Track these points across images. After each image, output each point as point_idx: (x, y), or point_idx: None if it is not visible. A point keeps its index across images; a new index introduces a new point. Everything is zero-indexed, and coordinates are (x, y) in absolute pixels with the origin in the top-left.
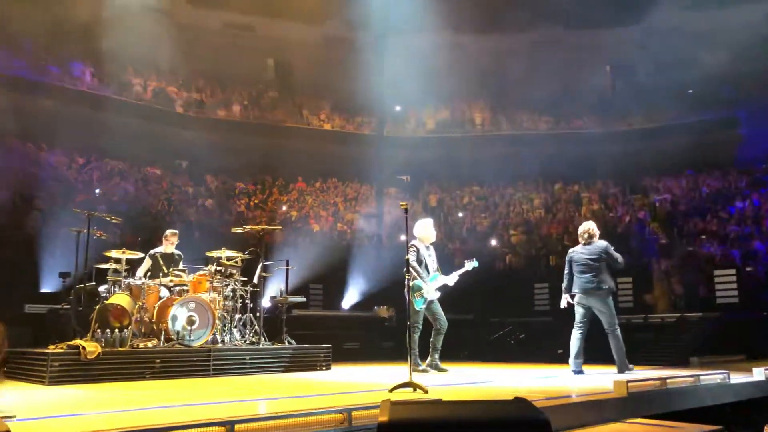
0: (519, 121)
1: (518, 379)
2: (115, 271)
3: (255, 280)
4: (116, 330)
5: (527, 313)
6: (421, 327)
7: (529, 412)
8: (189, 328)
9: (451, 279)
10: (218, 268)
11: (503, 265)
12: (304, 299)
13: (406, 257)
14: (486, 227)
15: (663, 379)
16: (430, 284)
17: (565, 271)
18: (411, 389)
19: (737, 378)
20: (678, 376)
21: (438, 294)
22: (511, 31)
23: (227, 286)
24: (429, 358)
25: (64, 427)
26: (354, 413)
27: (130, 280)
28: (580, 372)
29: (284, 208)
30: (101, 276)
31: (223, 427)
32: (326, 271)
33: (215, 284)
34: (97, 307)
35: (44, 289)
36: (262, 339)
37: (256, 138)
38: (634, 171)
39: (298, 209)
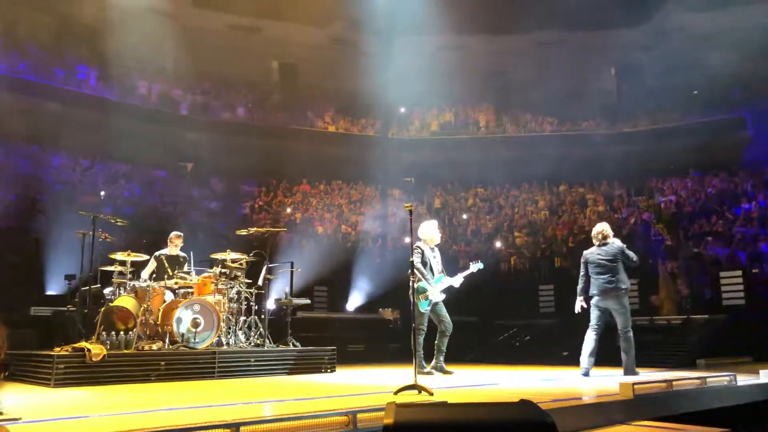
0: (524, 123)
1: (523, 381)
2: (120, 273)
3: (260, 282)
4: (121, 332)
5: (532, 315)
6: (426, 329)
7: (534, 414)
8: (194, 330)
9: (456, 281)
10: (223, 270)
11: (508, 266)
12: (308, 301)
13: (411, 259)
14: (491, 229)
15: (669, 382)
16: (435, 286)
17: (581, 273)
18: (416, 391)
19: (744, 380)
20: (684, 378)
21: (443, 296)
22: (516, 32)
23: (232, 288)
24: (434, 361)
25: (69, 430)
26: (359, 415)
27: (135, 283)
28: (587, 374)
29: (288, 210)
30: (106, 278)
31: (228, 429)
32: (331, 274)
33: (220, 286)
34: (103, 309)
35: (50, 292)
36: (267, 341)
37: (261, 140)
38: (640, 172)
39: (302, 211)
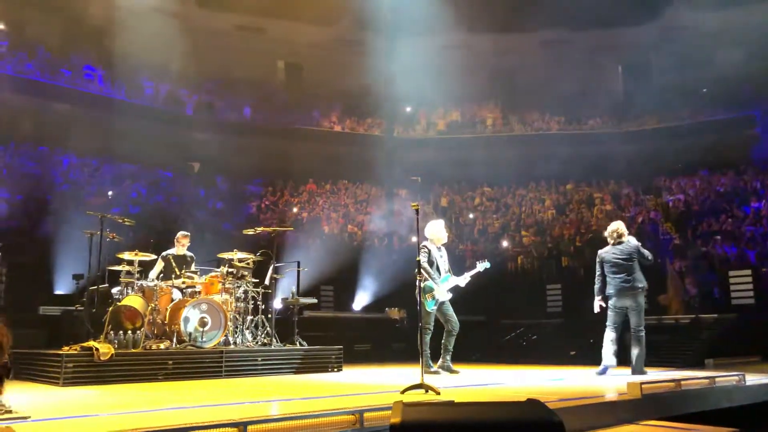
0: (530, 122)
1: (531, 380)
2: (128, 272)
3: (266, 282)
4: (129, 331)
5: (539, 314)
6: (432, 328)
7: (542, 413)
8: (201, 329)
9: (463, 280)
10: (230, 269)
11: (515, 266)
12: (315, 301)
13: (418, 258)
14: (497, 228)
15: (677, 381)
16: (442, 285)
17: (597, 273)
18: (423, 391)
19: (753, 379)
20: (693, 377)
21: (449, 295)
22: (523, 31)
23: (239, 287)
24: (440, 360)
25: (78, 428)
26: (366, 414)
27: (143, 282)
28: (605, 372)
29: (295, 209)
30: (114, 278)
31: (236, 428)
32: (337, 273)
33: (227, 286)
34: (110, 308)
35: (58, 291)
36: (274, 340)
37: (267, 140)
38: (647, 171)
39: (309, 211)
